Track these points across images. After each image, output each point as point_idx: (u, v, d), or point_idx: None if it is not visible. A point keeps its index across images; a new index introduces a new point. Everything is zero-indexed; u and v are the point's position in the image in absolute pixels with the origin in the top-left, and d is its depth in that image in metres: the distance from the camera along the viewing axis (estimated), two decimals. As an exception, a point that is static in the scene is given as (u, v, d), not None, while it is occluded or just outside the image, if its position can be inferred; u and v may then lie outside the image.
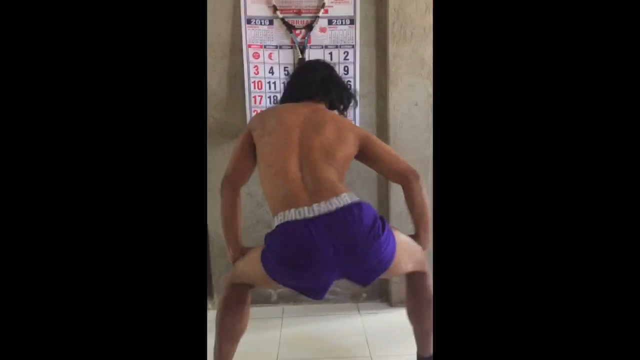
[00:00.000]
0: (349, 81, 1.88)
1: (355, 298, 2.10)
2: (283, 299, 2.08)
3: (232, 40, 1.86)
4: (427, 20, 1.82)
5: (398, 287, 2.00)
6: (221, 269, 2.00)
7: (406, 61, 1.85)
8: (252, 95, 1.90)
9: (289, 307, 2.06)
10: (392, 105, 1.88)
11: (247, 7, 1.84)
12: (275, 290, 2.02)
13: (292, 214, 1.23)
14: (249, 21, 1.86)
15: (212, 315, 1.37)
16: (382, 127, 1.93)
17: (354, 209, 1.22)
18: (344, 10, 1.86)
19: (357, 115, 1.92)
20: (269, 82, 1.90)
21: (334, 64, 1.78)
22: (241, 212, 1.41)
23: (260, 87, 1.90)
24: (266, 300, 2.07)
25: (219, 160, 1.88)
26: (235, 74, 1.89)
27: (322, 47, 1.88)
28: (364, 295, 2.10)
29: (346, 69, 1.89)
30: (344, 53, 1.88)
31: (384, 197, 2.00)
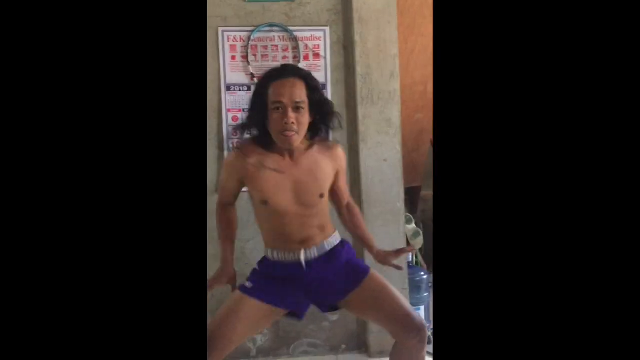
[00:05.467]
0: (323, 140, 2.02)
1: (334, 350, 2.14)
2: (262, 353, 2.10)
3: (212, 105, 2.00)
4: (392, 85, 2.00)
5: (377, 338, 2.05)
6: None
7: (374, 121, 2.01)
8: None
9: (269, 362, 2.08)
10: (363, 161, 2.02)
11: (227, 75, 2.00)
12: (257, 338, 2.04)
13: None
14: (228, 88, 2.00)
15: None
16: (355, 181, 2.06)
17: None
18: (317, 76, 2.00)
19: (331, 171, 2.04)
20: (247, 143, 2.02)
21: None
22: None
23: (239, 147, 2.02)
24: (245, 355, 2.08)
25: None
26: (216, 135, 2.01)
27: (297, 110, 2.02)
28: (344, 346, 2.14)
29: (320, 129, 2.04)
30: (317, 115, 2.03)
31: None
